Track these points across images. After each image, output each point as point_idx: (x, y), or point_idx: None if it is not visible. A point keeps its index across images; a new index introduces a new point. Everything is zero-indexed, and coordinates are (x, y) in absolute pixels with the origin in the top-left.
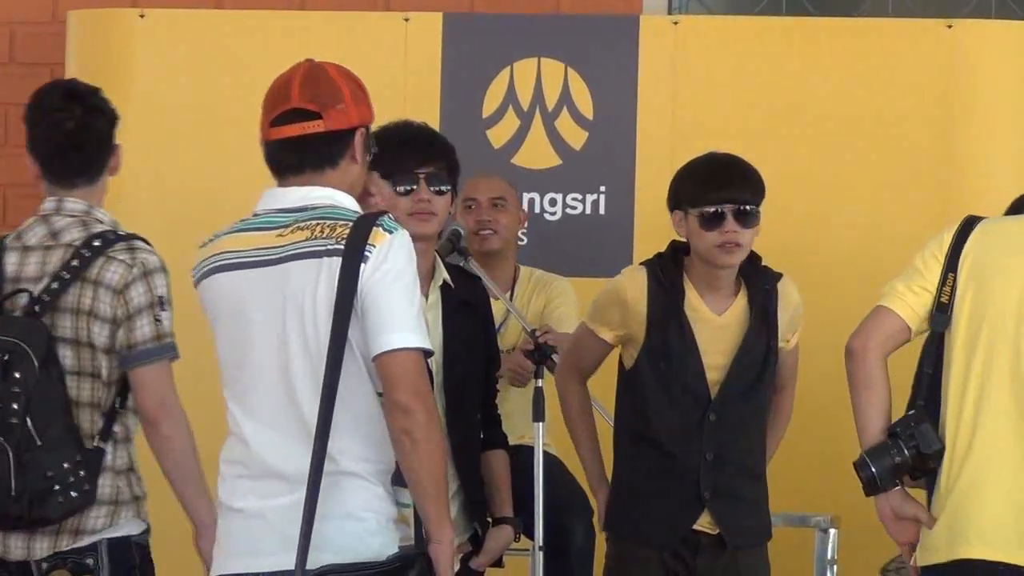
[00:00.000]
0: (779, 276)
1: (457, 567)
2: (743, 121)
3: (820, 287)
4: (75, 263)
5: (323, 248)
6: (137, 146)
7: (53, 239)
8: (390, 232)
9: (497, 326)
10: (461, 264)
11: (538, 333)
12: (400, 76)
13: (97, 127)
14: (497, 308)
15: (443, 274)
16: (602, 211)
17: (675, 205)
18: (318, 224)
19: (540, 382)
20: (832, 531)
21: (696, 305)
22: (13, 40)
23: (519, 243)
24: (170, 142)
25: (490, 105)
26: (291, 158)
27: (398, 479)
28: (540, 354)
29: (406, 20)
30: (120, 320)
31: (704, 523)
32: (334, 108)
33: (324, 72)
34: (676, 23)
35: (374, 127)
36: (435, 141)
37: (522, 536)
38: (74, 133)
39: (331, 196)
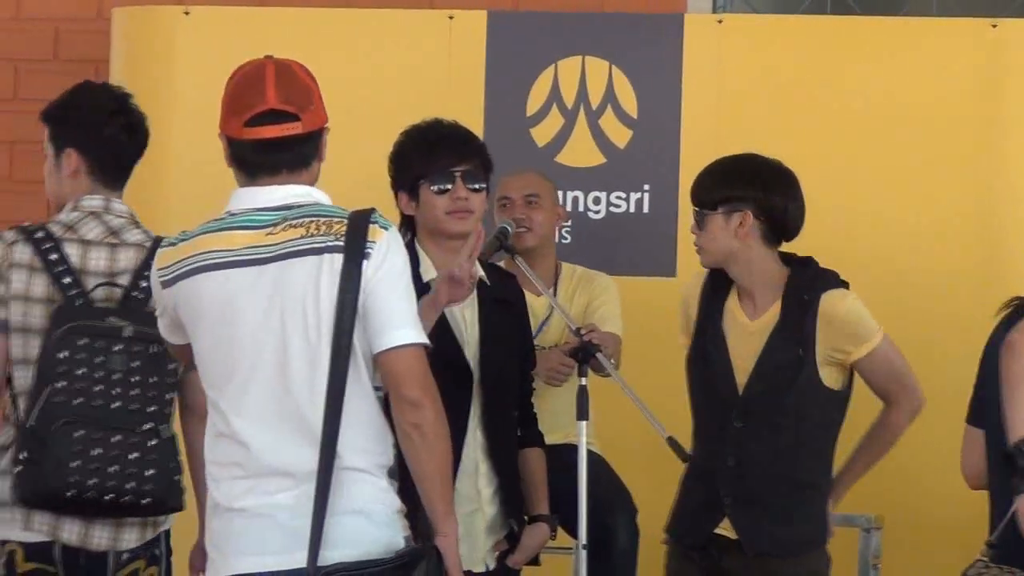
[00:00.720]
0: (829, 287)
1: (493, 565)
2: (787, 120)
3: (866, 286)
4: None
5: (323, 245)
6: (181, 143)
7: (116, 237)
8: (385, 228)
9: (540, 324)
10: (502, 263)
11: (583, 332)
12: (444, 74)
13: (145, 133)
14: (540, 306)
15: (479, 272)
16: (646, 210)
17: None
18: (312, 221)
19: (584, 381)
20: (876, 531)
21: (734, 310)
22: (58, 37)
23: (563, 241)
24: (213, 139)
25: (534, 103)
26: (269, 159)
27: (391, 473)
28: (584, 353)
29: (450, 18)
30: None
31: (725, 527)
32: (308, 109)
33: (292, 72)
34: (720, 22)
35: (408, 126)
36: (469, 139)
37: (564, 534)
38: (132, 137)
39: (310, 193)
